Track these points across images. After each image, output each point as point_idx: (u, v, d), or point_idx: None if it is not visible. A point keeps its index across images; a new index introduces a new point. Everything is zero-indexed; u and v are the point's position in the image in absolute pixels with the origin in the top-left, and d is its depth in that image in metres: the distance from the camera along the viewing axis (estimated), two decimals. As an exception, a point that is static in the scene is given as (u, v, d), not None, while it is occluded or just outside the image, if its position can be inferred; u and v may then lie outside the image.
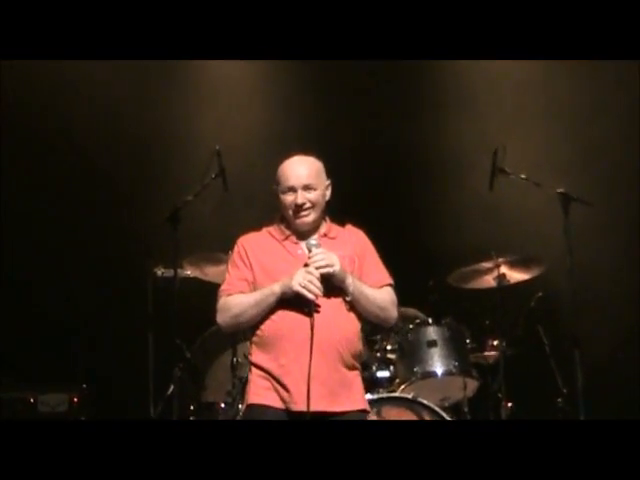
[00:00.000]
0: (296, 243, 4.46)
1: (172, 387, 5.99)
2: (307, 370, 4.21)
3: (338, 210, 4.60)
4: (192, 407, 6.39)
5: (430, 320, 6.24)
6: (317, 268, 4.29)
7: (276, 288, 4.32)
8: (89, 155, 7.33)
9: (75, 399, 6.77)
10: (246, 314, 4.38)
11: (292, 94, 7.38)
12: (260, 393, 4.36)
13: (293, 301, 4.30)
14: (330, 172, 4.55)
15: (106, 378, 7.04)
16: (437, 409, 5.74)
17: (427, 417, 5.74)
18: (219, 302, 4.45)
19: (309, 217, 4.45)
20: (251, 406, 4.38)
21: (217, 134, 7.03)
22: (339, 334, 4.33)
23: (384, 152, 7.43)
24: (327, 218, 4.56)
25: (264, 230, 4.56)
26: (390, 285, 4.52)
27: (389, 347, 6.20)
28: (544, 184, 6.09)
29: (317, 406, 4.23)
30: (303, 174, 4.44)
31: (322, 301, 4.30)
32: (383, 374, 6.12)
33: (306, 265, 4.32)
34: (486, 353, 6.40)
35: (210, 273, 6.30)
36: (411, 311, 6.38)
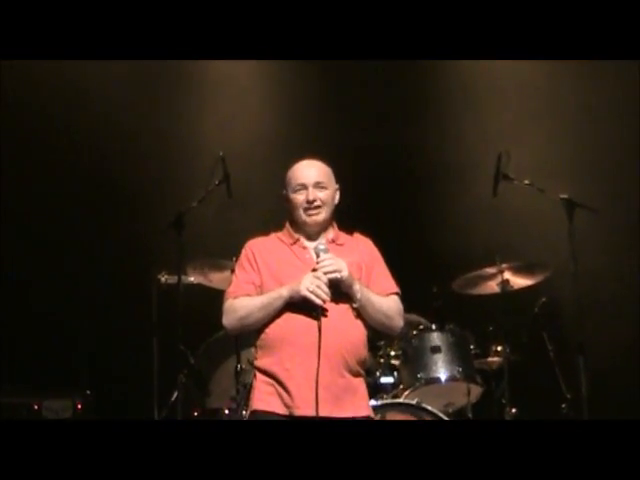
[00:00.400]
0: (304, 248, 4.47)
1: (176, 393, 5.98)
2: (311, 375, 4.21)
3: (342, 214, 4.61)
4: (196, 413, 6.40)
5: (434, 326, 6.23)
6: (325, 273, 4.29)
7: (284, 292, 4.33)
8: (90, 158, 7.30)
9: (79, 405, 6.75)
10: (252, 317, 4.37)
11: (296, 97, 7.39)
12: (264, 398, 4.35)
13: (300, 305, 4.30)
14: (334, 177, 4.58)
15: (110, 384, 7.03)
16: (441, 415, 5.72)
17: (431, 423, 5.73)
18: (225, 304, 4.44)
19: (319, 215, 4.46)
20: (255, 412, 4.37)
21: (220, 138, 7.03)
22: (345, 340, 4.33)
23: (387, 157, 7.41)
24: (335, 225, 4.57)
25: (272, 234, 4.58)
26: (397, 294, 4.52)
27: (393, 353, 6.18)
28: (548, 190, 6.08)
29: (321, 411, 4.22)
30: (314, 173, 4.50)
31: (329, 306, 4.30)
32: (387, 380, 6.11)
33: (314, 270, 4.32)
34: (490, 359, 6.38)
35: (214, 279, 6.29)
36: (414, 317, 6.37)
